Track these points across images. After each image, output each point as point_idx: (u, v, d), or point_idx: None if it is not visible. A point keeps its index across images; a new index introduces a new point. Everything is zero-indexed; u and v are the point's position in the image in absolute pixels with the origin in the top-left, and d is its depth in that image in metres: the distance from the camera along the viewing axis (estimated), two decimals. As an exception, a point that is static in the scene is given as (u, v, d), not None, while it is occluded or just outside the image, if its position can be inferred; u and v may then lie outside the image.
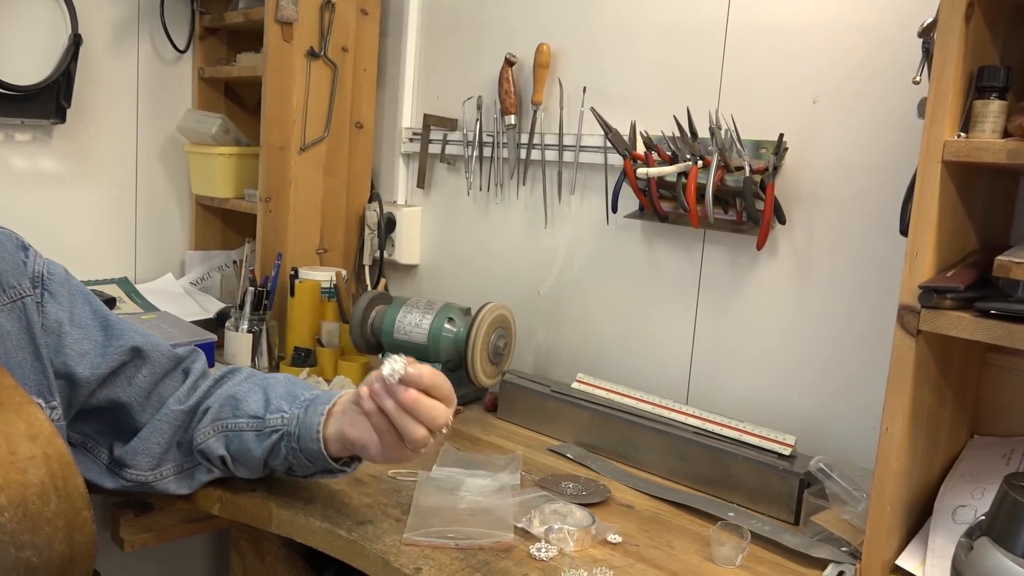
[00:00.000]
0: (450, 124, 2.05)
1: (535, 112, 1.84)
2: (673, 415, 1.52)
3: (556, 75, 1.82)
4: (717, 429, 1.45)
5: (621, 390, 1.62)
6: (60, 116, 2.02)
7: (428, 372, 0.96)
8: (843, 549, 1.18)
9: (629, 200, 1.67)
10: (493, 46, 1.94)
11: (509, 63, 1.87)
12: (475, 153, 1.97)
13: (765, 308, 1.52)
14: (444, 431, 1.00)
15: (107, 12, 2.11)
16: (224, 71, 2.18)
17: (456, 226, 2.08)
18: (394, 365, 0.95)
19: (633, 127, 1.61)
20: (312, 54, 2.05)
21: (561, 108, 1.80)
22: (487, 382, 1.76)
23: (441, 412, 0.97)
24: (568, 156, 1.80)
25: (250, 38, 2.16)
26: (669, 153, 1.55)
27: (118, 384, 1.14)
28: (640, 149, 1.60)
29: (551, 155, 1.83)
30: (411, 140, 2.15)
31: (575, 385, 1.68)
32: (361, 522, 1.17)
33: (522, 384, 1.72)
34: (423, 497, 1.25)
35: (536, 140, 1.85)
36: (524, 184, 1.90)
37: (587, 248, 1.80)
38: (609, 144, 1.61)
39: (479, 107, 1.96)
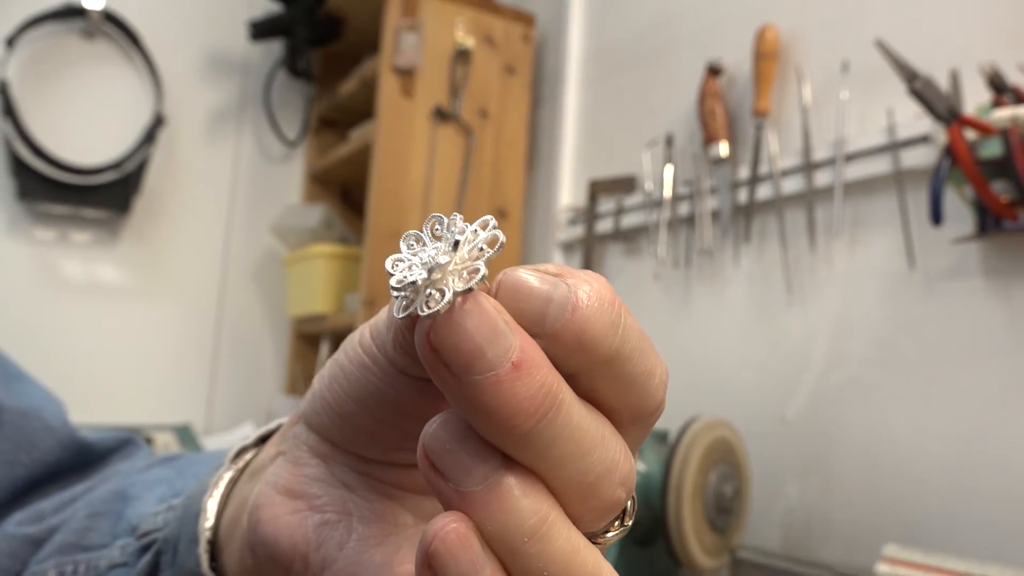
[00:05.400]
0: (626, 185, 1.42)
1: (758, 129, 1.18)
2: None
3: (789, 67, 1.17)
4: None
5: (984, 571, 0.79)
6: (124, 207, 1.58)
7: (595, 293, 0.20)
8: None
9: (954, 219, 0.92)
10: (685, 65, 1.34)
11: (714, 72, 1.25)
12: (664, 215, 1.30)
13: None
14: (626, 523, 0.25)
15: (202, 94, 1.73)
16: (333, 156, 1.71)
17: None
18: (435, 269, 0.20)
19: (954, 76, 0.90)
20: (440, 115, 1.54)
21: (804, 110, 1.12)
22: (706, 563, 0.96)
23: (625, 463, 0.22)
24: (822, 179, 1.09)
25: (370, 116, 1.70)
26: (1042, 96, 0.83)
27: None
28: (972, 106, 0.88)
29: (792, 185, 1.14)
30: (572, 223, 1.53)
31: (882, 569, 0.85)
32: None
33: (773, 567, 0.91)
34: None
35: (763, 170, 1.17)
36: (748, 241, 1.19)
37: (872, 323, 1.03)
38: (894, 140, 0.91)
39: (669, 144, 1.32)
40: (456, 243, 0.20)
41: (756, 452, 1.07)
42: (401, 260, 0.21)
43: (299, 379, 1.71)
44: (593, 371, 0.21)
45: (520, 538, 0.20)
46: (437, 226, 0.21)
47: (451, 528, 0.20)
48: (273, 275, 1.76)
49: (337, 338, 1.61)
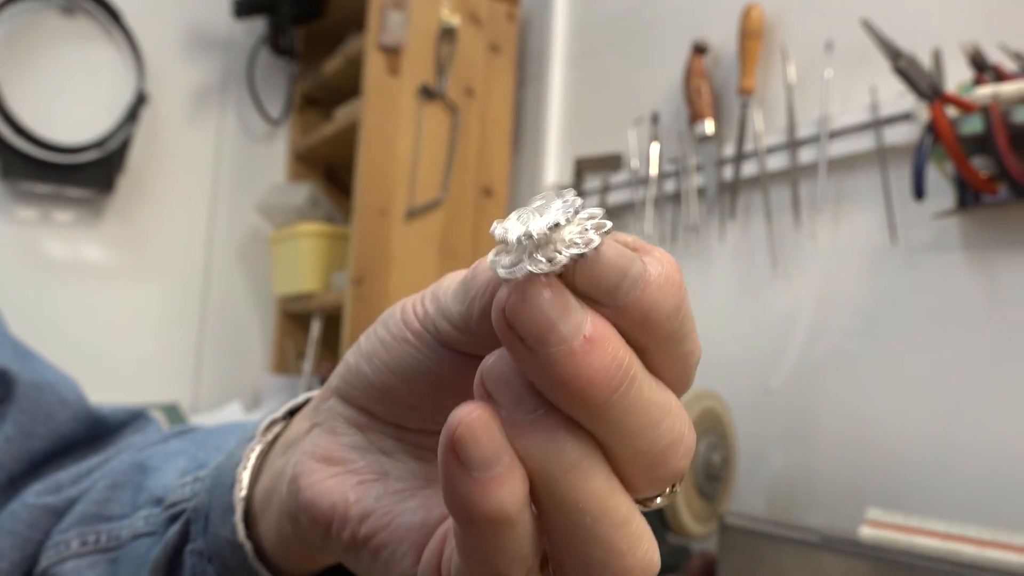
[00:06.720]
0: (612, 163, 1.43)
1: (744, 107, 1.20)
2: None
3: (775, 46, 1.20)
4: None
5: (963, 532, 0.82)
6: (107, 186, 1.57)
7: (666, 274, 0.21)
8: None
9: (935, 195, 0.95)
10: (670, 43, 1.36)
11: (699, 51, 1.26)
12: (650, 193, 1.32)
13: None
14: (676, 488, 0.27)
15: (185, 71, 1.72)
16: (317, 135, 1.71)
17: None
18: (549, 232, 0.20)
19: (936, 55, 0.93)
20: (426, 93, 1.54)
21: (789, 88, 1.15)
22: (696, 530, 0.99)
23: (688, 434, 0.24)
24: (807, 155, 1.12)
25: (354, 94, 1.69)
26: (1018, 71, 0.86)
27: None
28: (954, 84, 0.91)
29: (777, 162, 1.16)
30: (558, 201, 1.54)
31: (865, 531, 0.89)
32: None
33: (761, 532, 0.94)
34: None
35: (749, 148, 1.20)
36: (733, 218, 1.22)
37: (854, 296, 1.07)
38: (877, 118, 0.93)
39: (654, 122, 1.34)
40: (576, 211, 0.21)
41: (742, 422, 1.10)
42: (505, 228, 0.21)
43: (289, 357, 1.72)
44: (650, 347, 0.22)
45: (562, 468, 0.21)
46: (541, 200, 0.21)
47: (476, 415, 0.21)
48: (258, 254, 1.76)
49: (327, 316, 1.62)
